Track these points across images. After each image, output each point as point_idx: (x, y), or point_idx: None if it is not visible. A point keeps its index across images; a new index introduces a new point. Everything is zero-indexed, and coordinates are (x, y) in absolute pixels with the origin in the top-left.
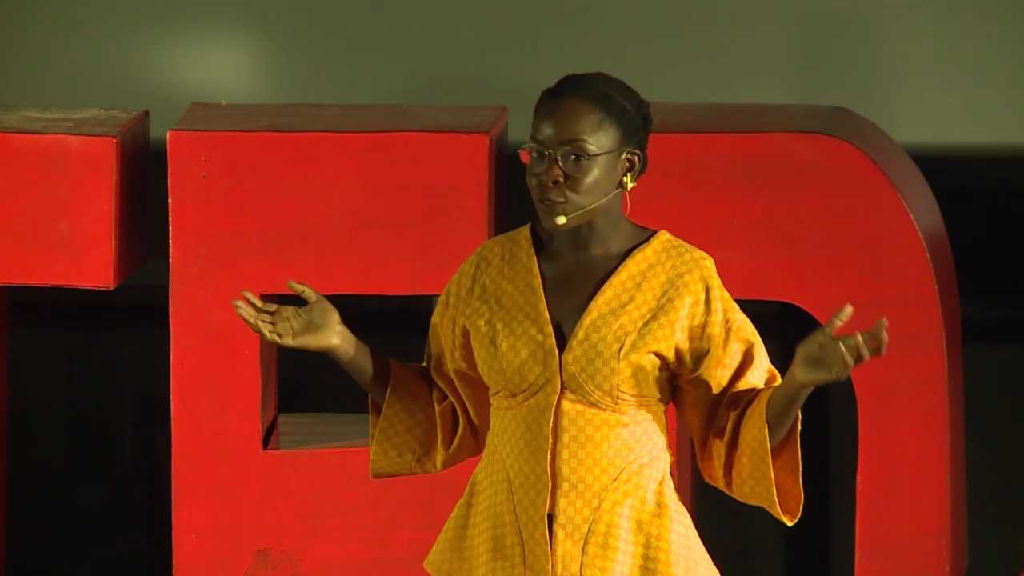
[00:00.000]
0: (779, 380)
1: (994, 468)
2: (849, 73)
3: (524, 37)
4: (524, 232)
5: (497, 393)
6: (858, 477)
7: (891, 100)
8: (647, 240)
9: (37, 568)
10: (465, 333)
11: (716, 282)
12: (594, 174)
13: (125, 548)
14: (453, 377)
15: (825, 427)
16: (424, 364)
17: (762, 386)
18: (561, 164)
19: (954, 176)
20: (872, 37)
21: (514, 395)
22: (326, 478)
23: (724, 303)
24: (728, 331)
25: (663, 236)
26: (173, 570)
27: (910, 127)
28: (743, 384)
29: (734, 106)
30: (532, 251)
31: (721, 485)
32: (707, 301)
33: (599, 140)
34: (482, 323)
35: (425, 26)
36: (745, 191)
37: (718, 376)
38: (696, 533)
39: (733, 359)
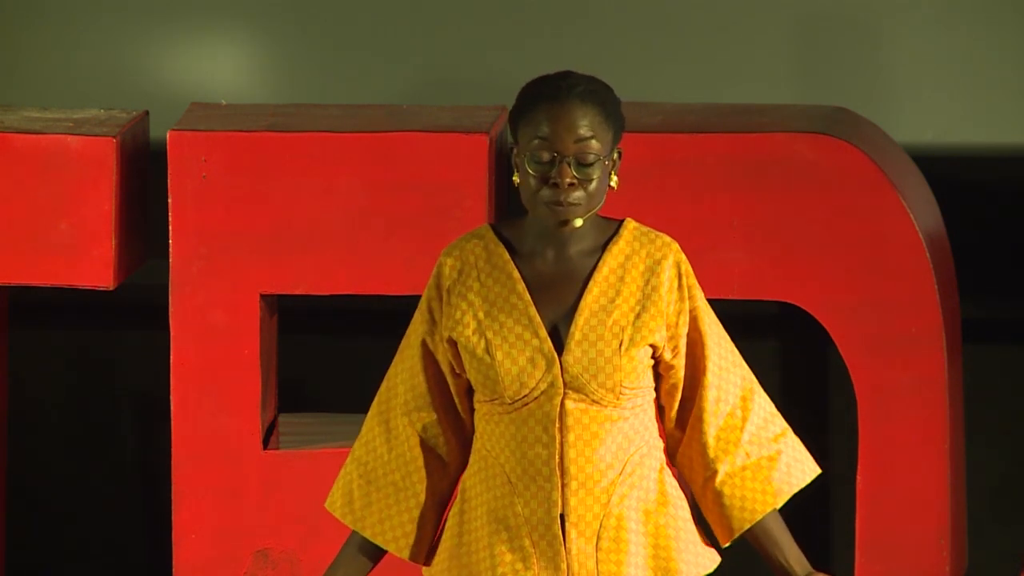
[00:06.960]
0: (745, 367)
1: (994, 468)
2: (849, 73)
3: (524, 37)
4: (488, 234)
5: (491, 400)
6: (858, 477)
7: (891, 100)
8: (617, 231)
9: (37, 568)
10: (452, 344)
11: (686, 267)
12: (599, 175)
13: (125, 548)
14: (455, 395)
15: (825, 427)
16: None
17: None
18: (573, 166)
19: (954, 176)
20: (872, 37)
21: (511, 402)
22: (326, 478)
23: (693, 289)
24: (695, 318)
25: (630, 224)
26: (173, 570)
27: (910, 127)
28: (706, 375)
29: (734, 106)
30: (505, 253)
31: (685, 472)
32: (679, 288)
33: (603, 141)
34: (470, 333)
35: (425, 26)
36: (745, 191)
37: (682, 362)
38: (691, 516)
39: (695, 347)
